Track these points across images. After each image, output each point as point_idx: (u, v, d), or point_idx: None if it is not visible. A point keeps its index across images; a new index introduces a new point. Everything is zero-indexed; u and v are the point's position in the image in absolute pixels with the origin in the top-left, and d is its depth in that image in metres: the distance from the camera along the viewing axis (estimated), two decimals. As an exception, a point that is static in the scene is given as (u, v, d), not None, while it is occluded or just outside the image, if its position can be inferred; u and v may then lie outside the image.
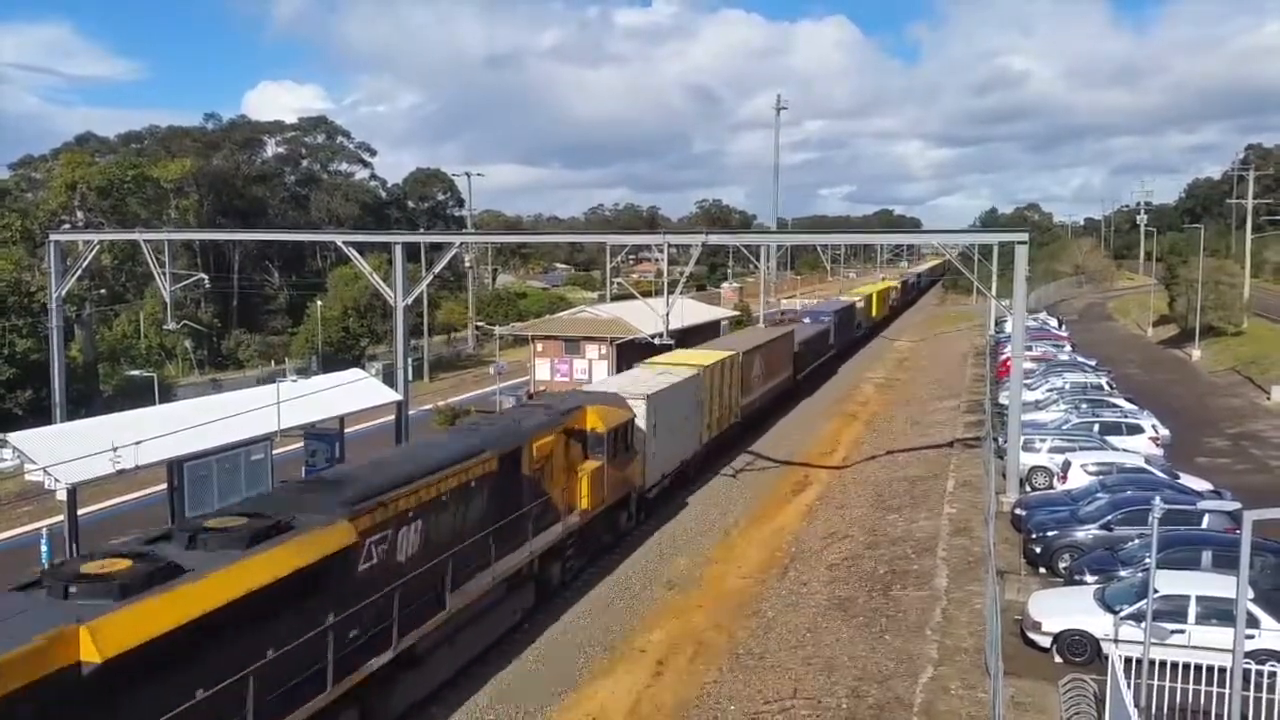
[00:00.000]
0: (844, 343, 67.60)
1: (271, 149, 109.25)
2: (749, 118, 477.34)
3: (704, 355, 37.84)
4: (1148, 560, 15.85)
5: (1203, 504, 21.25)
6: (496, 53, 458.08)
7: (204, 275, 49.05)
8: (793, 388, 50.31)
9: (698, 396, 33.85)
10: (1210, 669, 14.40)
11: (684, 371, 33.53)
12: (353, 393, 32.68)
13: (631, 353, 46.52)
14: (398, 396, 34.66)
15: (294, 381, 34.49)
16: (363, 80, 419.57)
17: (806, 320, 62.92)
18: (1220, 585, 16.48)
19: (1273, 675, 14.30)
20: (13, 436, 24.86)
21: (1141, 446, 29.72)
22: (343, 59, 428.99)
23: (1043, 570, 22.05)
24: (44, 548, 24.98)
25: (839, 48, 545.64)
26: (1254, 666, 13.97)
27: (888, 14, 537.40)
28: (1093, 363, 47.39)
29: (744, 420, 40.36)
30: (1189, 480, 25.83)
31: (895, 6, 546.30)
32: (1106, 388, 40.00)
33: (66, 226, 58.65)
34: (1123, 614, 16.94)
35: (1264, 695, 14.32)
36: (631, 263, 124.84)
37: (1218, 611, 16.14)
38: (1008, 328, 47.22)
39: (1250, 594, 14.26)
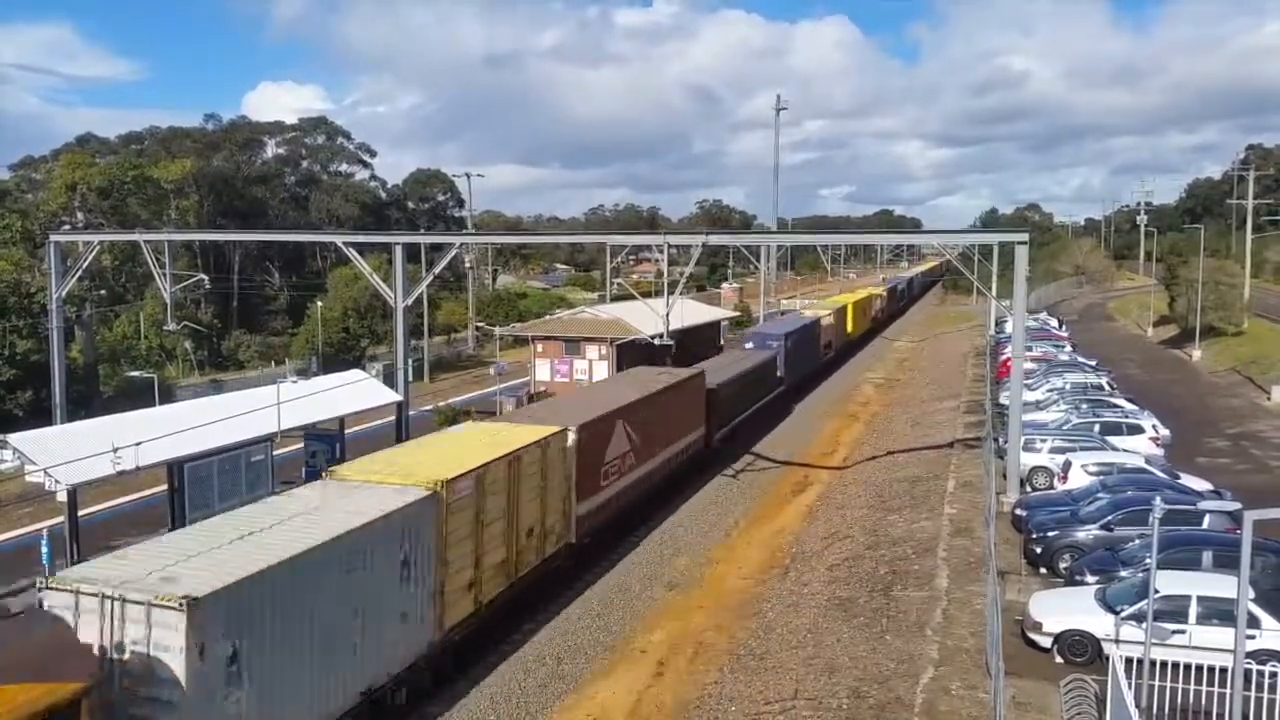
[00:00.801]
0: (802, 374, 52.57)
1: (271, 150, 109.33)
2: (749, 118, 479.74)
3: (480, 441, 21.57)
4: (1148, 560, 15.84)
5: (1203, 504, 21.26)
6: (496, 53, 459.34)
7: (204, 276, 49.03)
8: (702, 457, 35.41)
9: (418, 544, 17.47)
10: (1211, 669, 14.40)
11: (384, 500, 17.17)
12: (353, 393, 32.72)
13: (632, 353, 46.54)
14: (398, 397, 34.69)
15: (294, 382, 34.49)
16: (363, 81, 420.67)
17: (748, 345, 48.00)
18: (1221, 585, 16.47)
19: (1274, 675, 14.28)
20: (13, 438, 24.87)
21: (1142, 447, 29.71)
22: (343, 59, 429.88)
23: (1043, 570, 22.05)
24: (44, 549, 24.96)
25: (839, 48, 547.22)
26: (1255, 667, 13.96)
27: (888, 14, 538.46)
28: (1093, 363, 47.39)
29: (591, 535, 25.11)
30: (1189, 480, 25.82)
31: (895, 6, 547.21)
32: (1107, 388, 39.99)
33: (67, 227, 58.73)
34: (1124, 614, 16.94)
35: (1265, 695, 14.32)
36: (632, 263, 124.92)
37: (1218, 612, 16.13)
38: (1008, 328, 47.21)
39: (1251, 594, 14.26)
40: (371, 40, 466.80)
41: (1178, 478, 25.88)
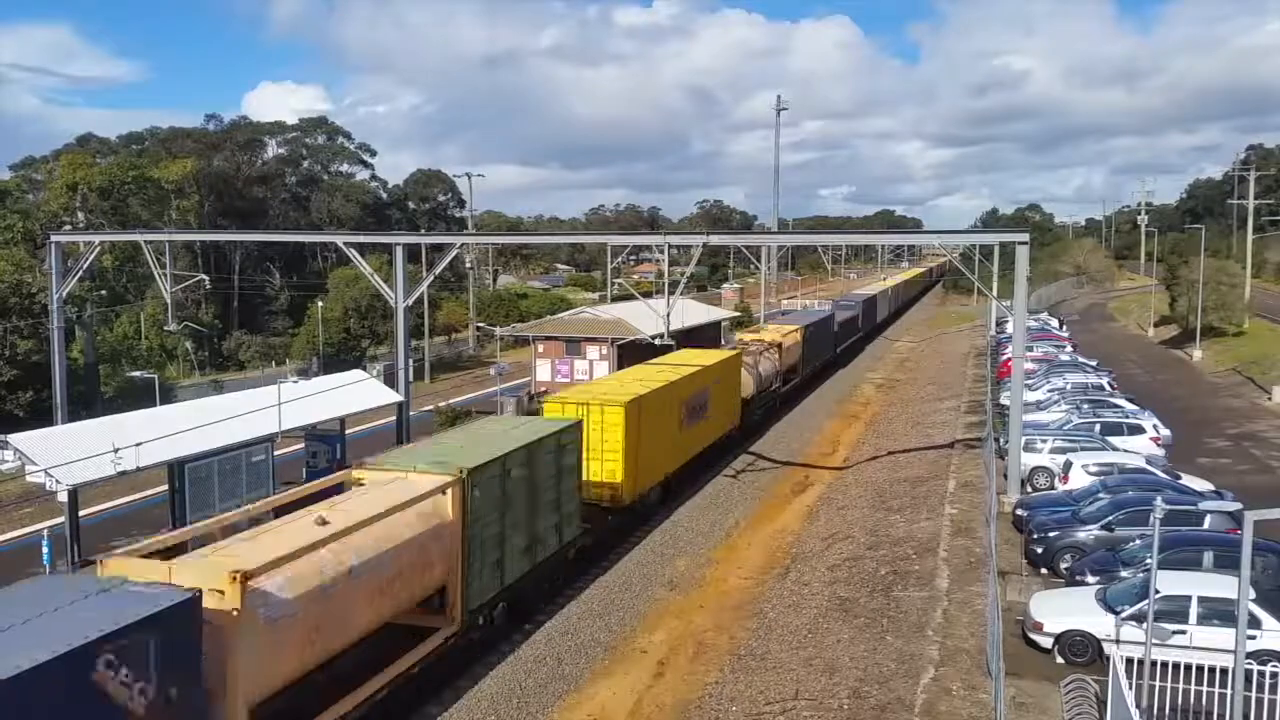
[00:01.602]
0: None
1: (272, 150, 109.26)
2: (749, 118, 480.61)
3: None
4: (1149, 561, 15.82)
5: (1204, 504, 21.25)
6: (496, 52, 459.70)
7: (205, 276, 49.01)
8: None
9: None
10: (1212, 670, 14.40)
11: None
12: (354, 394, 32.71)
13: (633, 353, 46.52)
14: (399, 397, 34.68)
15: (294, 383, 34.51)
16: (362, 81, 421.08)
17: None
18: (1222, 586, 16.46)
19: (1274, 676, 14.27)
20: (14, 438, 24.84)
21: (1143, 447, 29.69)
22: (343, 59, 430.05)
23: (1044, 571, 22.04)
24: (45, 549, 24.99)
25: (840, 48, 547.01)
26: (1255, 667, 13.95)
27: (889, 13, 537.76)
28: (1094, 363, 47.37)
29: None
30: (1190, 481, 25.80)
31: (896, 6, 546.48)
32: (1108, 388, 39.98)
33: (67, 228, 58.63)
34: (1124, 614, 16.92)
35: (1266, 696, 14.31)
36: (632, 264, 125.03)
37: (1219, 612, 16.13)
38: (1008, 328, 47.17)
39: (1252, 594, 14.25)
40: (371, 40, 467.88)
41: (1179, 478, 25.86)
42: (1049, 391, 38.87)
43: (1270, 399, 44.05)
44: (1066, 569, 21.32)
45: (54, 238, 41.65)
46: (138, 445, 23.72)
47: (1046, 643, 17.78)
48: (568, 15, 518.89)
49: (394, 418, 35.72)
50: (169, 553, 14.31)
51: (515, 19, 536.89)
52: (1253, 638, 14.93)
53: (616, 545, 27.40)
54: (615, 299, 66.57)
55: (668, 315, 31.91)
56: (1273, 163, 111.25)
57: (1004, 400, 36.71)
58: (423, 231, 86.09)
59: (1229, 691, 12.96)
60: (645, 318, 42.49)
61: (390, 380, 38.23)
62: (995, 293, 45.31)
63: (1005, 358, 46.07)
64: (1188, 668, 14.67)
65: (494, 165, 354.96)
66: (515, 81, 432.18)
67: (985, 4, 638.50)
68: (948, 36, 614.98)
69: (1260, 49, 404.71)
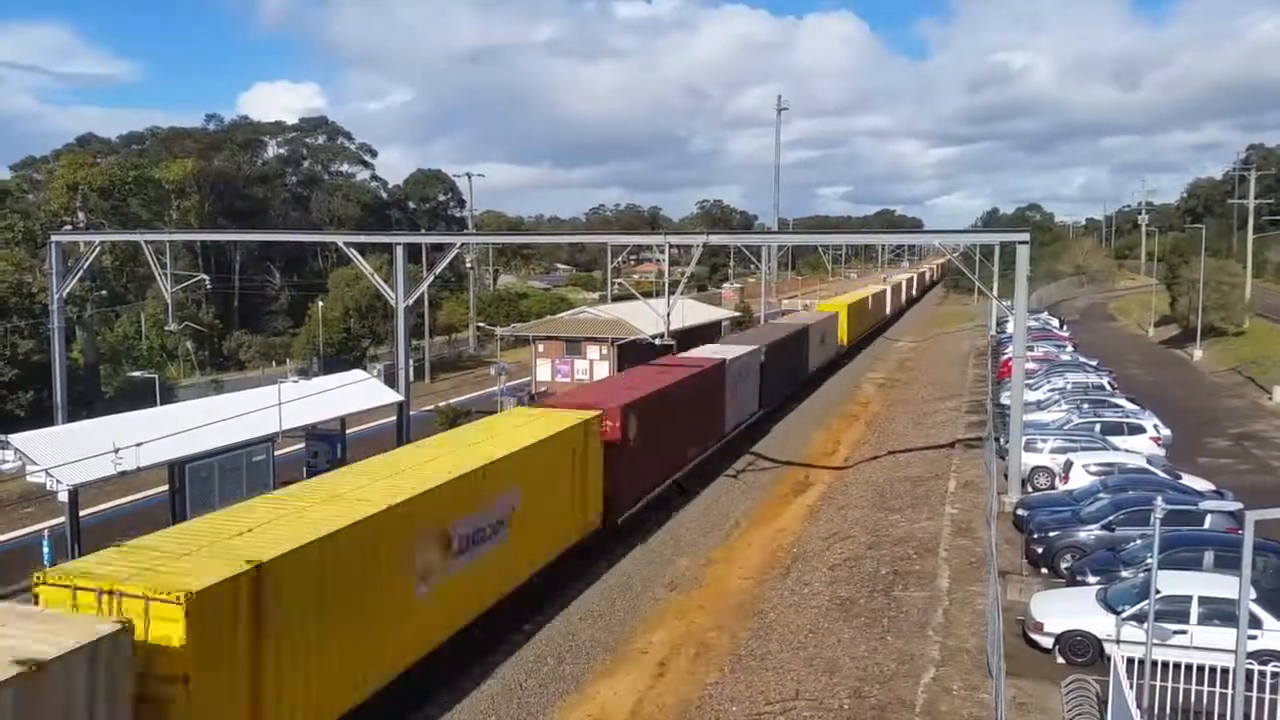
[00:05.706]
0: None
1: (273, 149, 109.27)
2: (746, 116, 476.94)
3: None
4: (1150, 561, 15.82)
5: (1205, 504, 21.21)
6: (490, 46, 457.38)
7: (205, 276, 49.00)
8: None
9: None
10: (1213, 670, 14.39)
11: None
12: (354, 393, 32.76)
13: (633, 353, 46.53)
14: (399, 397, 34.72)
15: (295, 383, 34.52)
16: (355, 77, 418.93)
17: None
18: (1222, 586, 16.45)
19: (1275, 676, 14.28)
20: (15, 438, 24.87)
21: (1143, 447, 29.67)
22: (335, 55, 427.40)
23: (1045, 571, 22.02)
24: (46, 549, 24.99)
25: (845, 44, 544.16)
26: (1256, 667, 13.94)
27: (895, 10, 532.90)
28: (1094, 363, 47.34)
29: None
30: (1191, 480, 25.77)
31: (903, 2, 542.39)
32: (1108, 388, 39.95)
33: (68, 228, 58.59)
34: (1125, 614, 16.91)
35: (1266, 696, 14.31)
36: (632, 263, 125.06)
37: (1220, 612, 16.12)
38: (1009, 328, 47.14)
39: (1252, 594, 14.24)
40: (364, 35, 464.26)
41: (1179, 478, 25.84)
42: (1049, 391, 38.85)
43: (1271, 399, 44.02)
44: (1067, 569, 21.30)
45: (54, 238, 41.66)
46: (138, 445, 23.76)
47: (1047, 643, 17.77)
48: (565, 10, 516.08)
49: (394, 417, 35.74)
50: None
51: (511, 13, 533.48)
52: (1253, 638, 14.92)
53: (616, 546, 27.41)
54: (615, 299, 66.58)
55: (668, 315, 31.94)
56: (1273, 162, 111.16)
57: (1004, 400, 36.68)
58: (423, 231, 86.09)
59: (1230, 691, 12.96)
60: (646, 318, 42.49)
61: (391, 380, 38.23)
62: (996, 292, 45.24)
63: (1006, 357, 46.03)
64: (1188, 668, 14.67)
65: (487, 164, 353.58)
66: (511, 78, 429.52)
67: (992, 0, 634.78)
68: (955, 33, 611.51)
69: (1266, 45, 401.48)
